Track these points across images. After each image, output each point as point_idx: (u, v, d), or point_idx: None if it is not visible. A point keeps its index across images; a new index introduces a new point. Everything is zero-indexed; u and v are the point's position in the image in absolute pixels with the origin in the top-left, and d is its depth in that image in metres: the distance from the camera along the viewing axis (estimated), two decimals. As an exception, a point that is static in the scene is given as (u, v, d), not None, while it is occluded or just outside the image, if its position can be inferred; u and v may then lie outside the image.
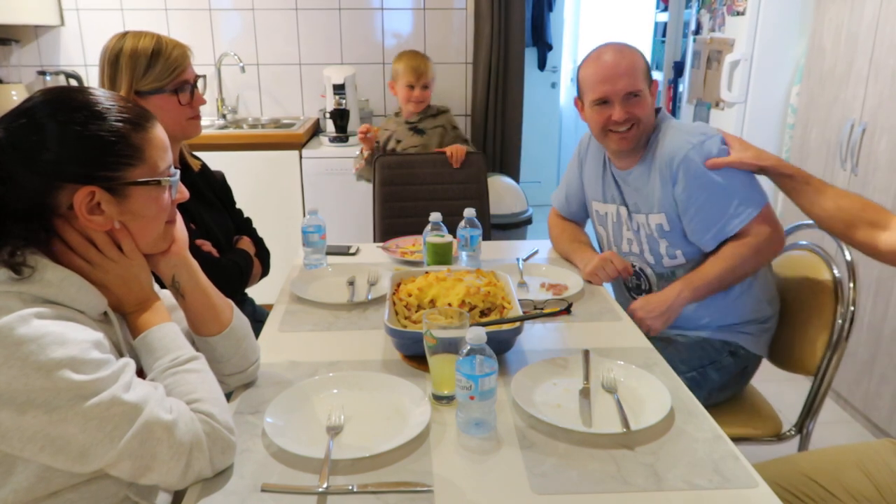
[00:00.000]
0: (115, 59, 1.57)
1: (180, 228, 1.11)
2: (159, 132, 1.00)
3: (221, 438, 0.95)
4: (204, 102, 1.69)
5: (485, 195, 2.69)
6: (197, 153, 1.91)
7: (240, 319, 1.19)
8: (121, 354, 0.99)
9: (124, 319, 1.06)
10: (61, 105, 0.92)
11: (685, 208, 1.65)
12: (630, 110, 1.66)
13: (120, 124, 0.94)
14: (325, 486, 0.95)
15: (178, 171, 1.04)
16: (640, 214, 1.75)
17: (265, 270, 1.87)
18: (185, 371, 0.99)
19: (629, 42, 1.74)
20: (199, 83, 1.68)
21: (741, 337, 1.70)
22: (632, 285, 1.85)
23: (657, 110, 1.76)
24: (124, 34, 1.59)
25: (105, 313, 0.99)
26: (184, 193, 1.08)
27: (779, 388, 2.00)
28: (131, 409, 0.86)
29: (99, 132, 0.92)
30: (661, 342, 1.59)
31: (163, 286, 1.25)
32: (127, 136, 0.94)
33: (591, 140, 1.90)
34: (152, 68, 1.57)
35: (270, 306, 1.66)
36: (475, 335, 1.06)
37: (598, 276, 1.77)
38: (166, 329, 1.03)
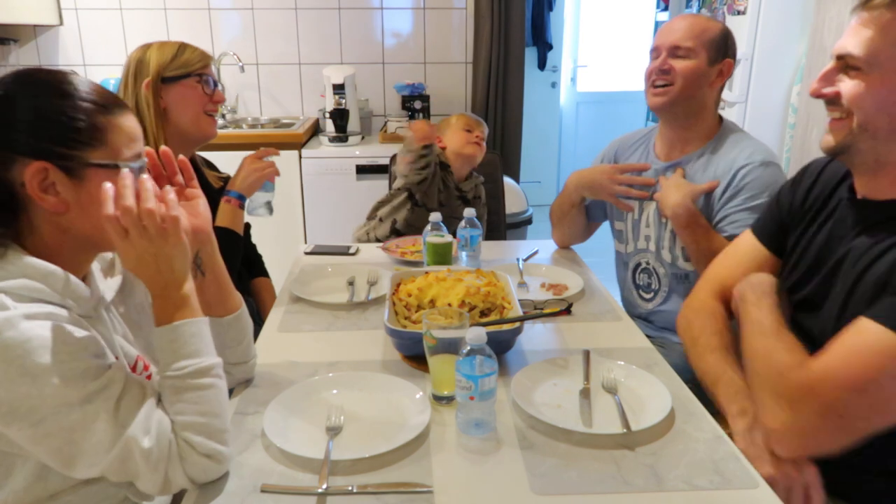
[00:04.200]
0: (142, 58, 1.65)
1: (203, 205, 1.06)
2: (128, 121, 0.96)
3: (198, 464, 0.92)
4: (223, 100, 1.76)
5: (500, 195, 2.67)
6: (197, 153, 1.91)
7: (244, 307, 1.21)
8: (114, 352, 0.98)
9: (110, 314, 1.04)
10: (27, 79, 0.92)
11: (720, 207, 1.63)
12: (670, 63, 1.64)
13: (84, 104, 0.91)
14: (324, 486, 0.95)
15: (146, 161, 0.99)
16: None
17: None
18: (195, 388, 0.93)
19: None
20: (220, 87, 1.75)
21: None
22: (642, 283, 1.84)
23: (721, 118, 1.73)
24: (149, 44, 1.68)
25: (96, 307, 0.98)
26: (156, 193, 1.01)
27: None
28: (113, 429, 0.85)
29: (59, 107, 0.90)
30: (661, 348, 1.58)
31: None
32: (89, 116, 0.91)
33: (638, 138, 1.89)
34: (178, 59, 1.66)
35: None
36: (475, 335, 1.05)
37: (614, 193, 1.79)
38: (195, 327, 0.95)
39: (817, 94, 1.09)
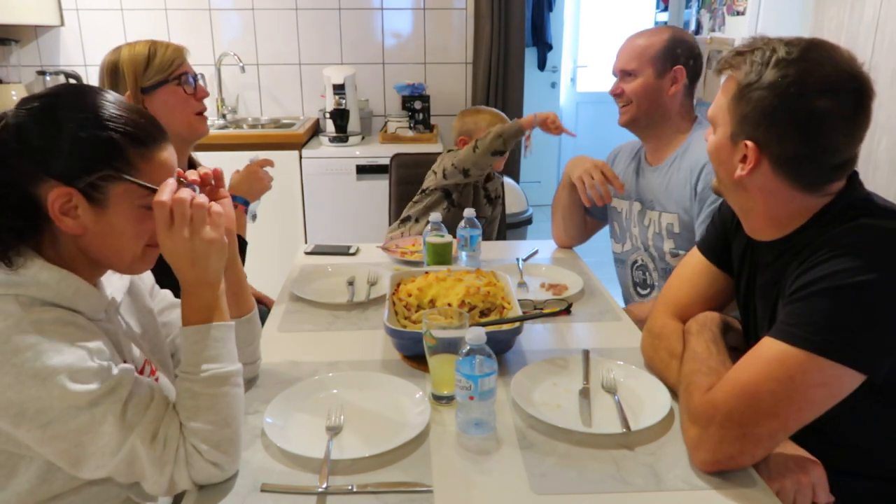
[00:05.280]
0: (115, 68, 1.59)
1: (229, 205, 1.07)
2: (163, 153, 0.95)
3: (204, 471, 0.92)
4: (207, 94, 1.70)
5: (500, 195, 2.68)
6: (198, 153, 1.91)
7: (256, 309, 1.22)
8: (122, 355, 0.98)
9: (119, 317, 1.05)
10: (72, 102, 0.91)
11: (699, 209, 1.65)
12: (620, 86, 1.75)
13: (120, 137, 0.90)
14: (324, 486, 0.95)
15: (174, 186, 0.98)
16: (654, 211, 1.77)
17: None
18: (211, 395, 0.93)
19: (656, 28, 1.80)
20: (200, 81, 1.69)
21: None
22: (638, 280, 1.86)
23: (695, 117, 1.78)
24: (118, 47, 1.62)
25: (105, 311, 0.99)
26: None
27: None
28: (120, 432, 0.86)
29: (95, 137, 0.89)
30: None
31: (164, 286, 1.26)
32: (122, 149, 0.90)
33: (627, 143, 1.96)
34: (151, 64, 1.60)
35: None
36: (475, 335, 1.06)
37: (583, 181, 1.83)
38: (221, 331, 0.96)
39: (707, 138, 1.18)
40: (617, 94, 1.76)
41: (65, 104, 0.91)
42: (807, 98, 0.98)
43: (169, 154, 0.97)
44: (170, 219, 0.92)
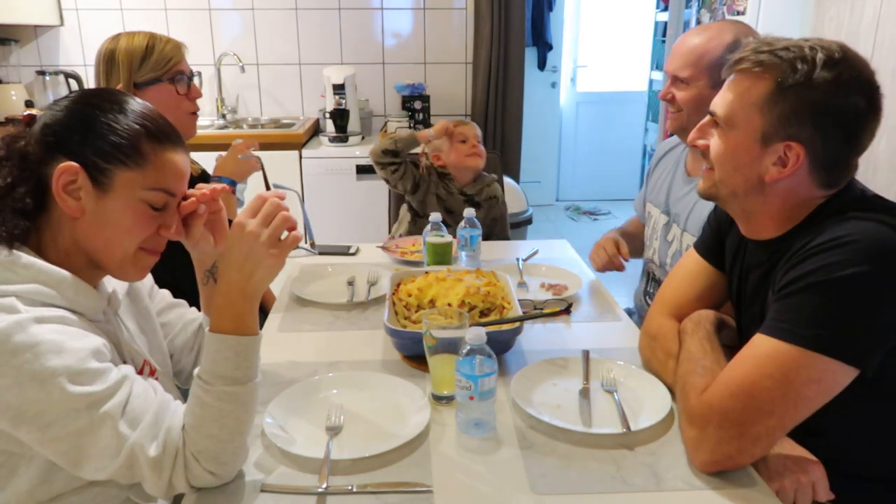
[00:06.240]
0: (111, 57, 1.59)
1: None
2: (177, 156, 0.97)
3: (201, 477, 0.92)
4: (200, 95, 1.70)
5: (497, 195, 2.67)
6: (196, 153, 1.91)
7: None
8: (122, 356, 0.98)
9: (118, 318, 1.04)
10: (101, 95, 0.97)
11: None
12: (671, 91, 1.62)
13: (135, 125, 0.94)
14: (324, 486, 0.95)
15: (177, 200, 1.00)
16: (678, 227, 1.69)
17: None
18: (219, 408, 0.91)
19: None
20: (195, 80, 1.69)
21: None
22: (651, 291, 1.83)
23: None
24: (117, 35, 1.62)
25: (105, 312, 0.98)
26: (177, 231, 1.01)
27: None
28: (120, 434, 0.85)
29: (110, 120, 0.93)
30: None
31: (162, 285, 1.26)
32: (135, 138, 0.93)
33: (676, 144, 1.86)
34: (148, 60, 1.59)
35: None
36: (475, 335, 1.06)
37: (594, 261, 1.80)
38: (242, 346, 0.93)
39: (692, 144, 1.15)
40: (667, 99, 1.63)
41: (95, 95, 0.97)
42: (855, 98, 0.99)
43: (180, 158, 0.98)
44: (257, 211, 0.95)
